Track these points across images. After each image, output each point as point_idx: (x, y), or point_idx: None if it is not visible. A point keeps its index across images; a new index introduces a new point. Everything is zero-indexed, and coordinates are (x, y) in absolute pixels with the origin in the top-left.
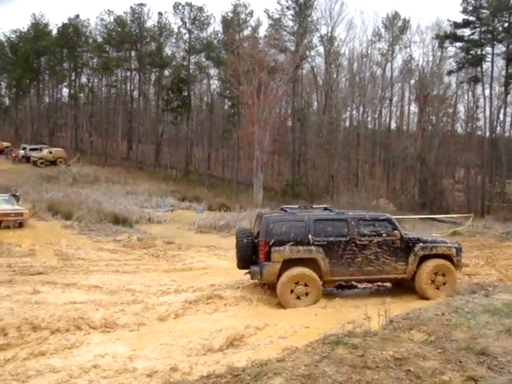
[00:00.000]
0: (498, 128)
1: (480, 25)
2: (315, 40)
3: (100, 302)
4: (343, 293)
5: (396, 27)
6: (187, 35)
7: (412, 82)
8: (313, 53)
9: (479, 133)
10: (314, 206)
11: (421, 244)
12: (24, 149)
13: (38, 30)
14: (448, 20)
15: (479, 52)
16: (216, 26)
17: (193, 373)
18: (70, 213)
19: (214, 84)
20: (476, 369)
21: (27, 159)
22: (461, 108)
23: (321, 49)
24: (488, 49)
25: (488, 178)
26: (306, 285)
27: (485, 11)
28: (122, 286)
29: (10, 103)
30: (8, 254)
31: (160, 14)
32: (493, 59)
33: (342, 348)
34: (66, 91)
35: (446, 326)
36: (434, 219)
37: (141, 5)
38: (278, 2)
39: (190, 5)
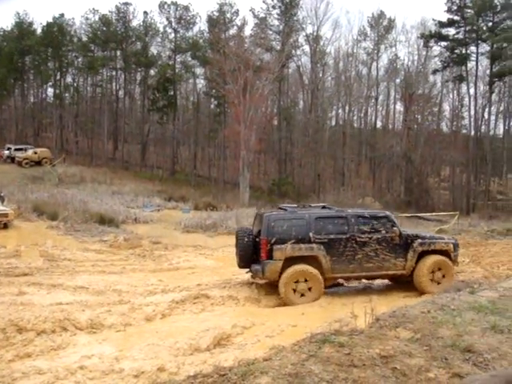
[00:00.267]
0: (483, 127)
1: (464, 24)
2: (301, 39)
3: (86, 302)
4: (330, 291)
5: (381, 26)
6: (173, 34)
7: (397, 81)
8: (298, 52)
9: (464, 131)
10: (313, 205)
11: (419, 240)
12: (9, 149)
13: (22, 29)
14: (433, 19)
15: (464, 51)
16: (202, 25)
17: (180, 373)
18: (55, 213)
19: (200, 83)
20: (461, 366)
21: (12, 159)
22: (446, 107)
23: (306, 48)
24: (472, 48)
25: (473, 176)
26: (306, 280)
27: (469, 11)
28: (109, 286)
29: None
30: None
31: (145, 13)
32: (477, 58)
33: (328, 346)
34: (50, 91)
35: (431, 323)
36: (419, 217)
37: (126, 4)
38: (264, 1)
39: (175, 4)
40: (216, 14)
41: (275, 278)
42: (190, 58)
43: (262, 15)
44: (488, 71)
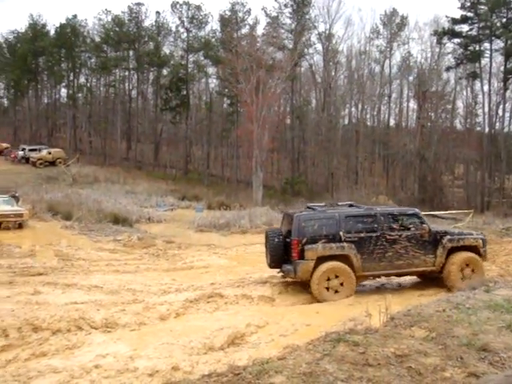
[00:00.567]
0: (497, 124)
1: (478, 20)
2: (313, 38)
3: (101, 302)
4: None
5: (394, 24)
6: (185, 34)
7: (410, 78)
8: (311, 50)
9: (478, 129)
10: (339, 203)
11: (448, 236)
12: (23, 149)
13: (36, 30)
14: (446, 16)
15: (477, 48)
16: (214, 24)
17: (194, 372)
18: (69, 213)
19: (213, 83)
20: (477, 365)
21: (26, 160)
22: (460, 104)
23: (319, 46)
24: (486, 44)
25: (487, 173)
26: (337, 277)
27: (483, 7)
28: (123, 285)
29: (9, 104)
30: (8, 255)
31: (158, 13)
32: (491, 55)
33: (343, 345)
34: (64, 91)
35: (446, 322)
36: (433, 215)
37: (138, 4)
38: (276, 0)
39: (187, 4)
40: (228, 13)
41: (307, 278)
42: (202, 58)
43: (274, 14)
44: (502, 68)
